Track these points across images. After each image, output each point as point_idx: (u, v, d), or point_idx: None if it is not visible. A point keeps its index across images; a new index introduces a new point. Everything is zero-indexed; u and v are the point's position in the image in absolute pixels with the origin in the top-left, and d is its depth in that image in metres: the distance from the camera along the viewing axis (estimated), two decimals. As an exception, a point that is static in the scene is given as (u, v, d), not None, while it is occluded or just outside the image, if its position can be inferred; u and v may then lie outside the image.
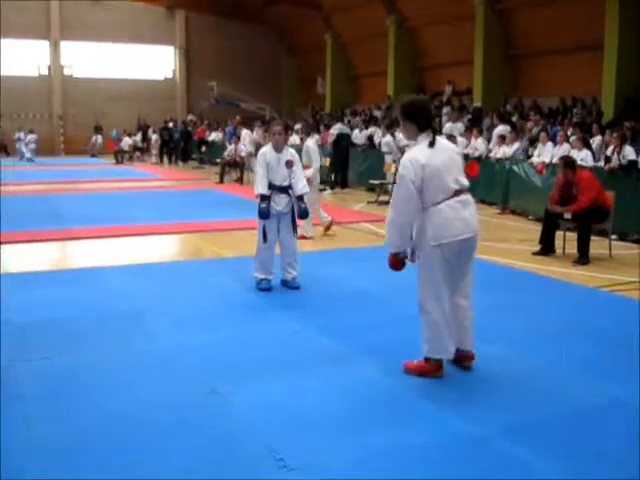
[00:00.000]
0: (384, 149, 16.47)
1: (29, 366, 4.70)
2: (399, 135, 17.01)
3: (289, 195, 6.90)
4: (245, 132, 20.23)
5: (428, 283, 4.48)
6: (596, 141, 13.09)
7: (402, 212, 4.42)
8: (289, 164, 6.83)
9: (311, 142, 10.76)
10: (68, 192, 16.86)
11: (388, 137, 16.81)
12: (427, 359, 4.57)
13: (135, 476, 3.26)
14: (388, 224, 4.56)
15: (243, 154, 19.64)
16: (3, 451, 3.43)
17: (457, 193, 4.40)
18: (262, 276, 6.90)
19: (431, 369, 4.56)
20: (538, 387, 4.47)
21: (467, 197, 4.49)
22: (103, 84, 33.35)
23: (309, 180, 9.56)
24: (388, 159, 16.15)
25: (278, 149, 6.89)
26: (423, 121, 4.49)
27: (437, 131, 4.67)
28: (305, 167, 9.29)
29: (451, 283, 4.51)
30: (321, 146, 17.59)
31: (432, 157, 4.37)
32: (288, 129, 7.12)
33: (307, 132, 13.67)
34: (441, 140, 4.63)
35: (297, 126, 22.02)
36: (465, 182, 4.50)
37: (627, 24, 16.26)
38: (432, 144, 4.41)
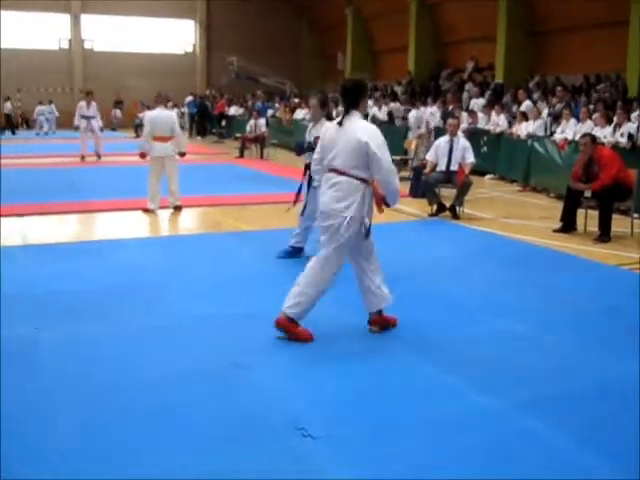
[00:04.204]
0: (411, 123, 16.40)
1: (49, 337, 4.75)
2: (427, 110, 16.86)
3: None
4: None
5: None
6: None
7: None
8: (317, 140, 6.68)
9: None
10: (86, 165, 16.94)
11: (414, 111, 16.70)
12: None
13: (155, 448, 3.30)
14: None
15: (263, 129, 19.61)
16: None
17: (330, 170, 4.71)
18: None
19: None
20: (555, 362, 4.48)
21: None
22: (123, 58, 33.31)
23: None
24: (410, 135, 16.05)
25: (313, 120, 7.06)
26: (344, 102, 4.76)
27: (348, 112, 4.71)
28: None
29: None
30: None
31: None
32: (326, 102, 7.01)
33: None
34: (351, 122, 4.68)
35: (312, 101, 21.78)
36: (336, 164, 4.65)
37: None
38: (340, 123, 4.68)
